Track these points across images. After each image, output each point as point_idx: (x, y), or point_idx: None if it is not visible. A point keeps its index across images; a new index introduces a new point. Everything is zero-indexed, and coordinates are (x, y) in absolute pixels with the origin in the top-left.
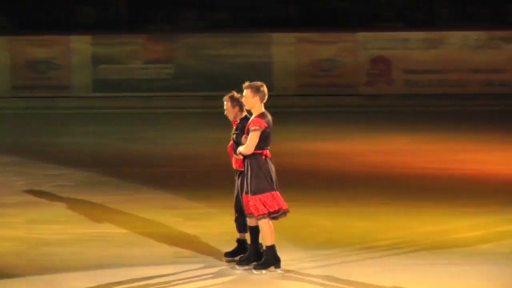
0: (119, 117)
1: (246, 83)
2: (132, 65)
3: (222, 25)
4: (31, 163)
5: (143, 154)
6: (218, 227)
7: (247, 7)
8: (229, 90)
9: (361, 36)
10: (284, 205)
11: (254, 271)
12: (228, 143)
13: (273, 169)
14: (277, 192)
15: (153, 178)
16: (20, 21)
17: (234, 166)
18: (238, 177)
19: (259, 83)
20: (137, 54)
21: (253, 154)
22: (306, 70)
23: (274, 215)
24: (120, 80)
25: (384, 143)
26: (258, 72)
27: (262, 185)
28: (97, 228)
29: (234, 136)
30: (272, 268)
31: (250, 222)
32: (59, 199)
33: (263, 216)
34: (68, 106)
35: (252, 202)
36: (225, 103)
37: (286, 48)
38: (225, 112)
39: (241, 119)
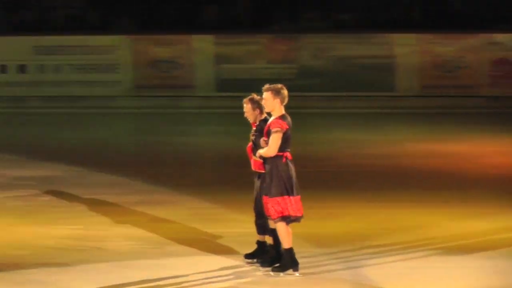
0: (242, 116)
1: (266, 86)
2: (255, 65)
3: (344, 25)
4: (152, 162)
5: None
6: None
7: (369, 8)
8: (351, 90)
9: (484, 37)
10: (300, 211)
11: (272, 274)
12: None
13: (294, 171)
14: (296, 197)
15: None
16: (142, 20)
17: (253, 168)
18: (258, 179)
19: (279, 85)
20: (260, 53)
21: (273, 156)
22: (428, 71)
23: (288, 219)
24: (243, 79)
25: (505, 144)
26: (381, 73)
27: (280, 188)
28: (218, 228)
29: (253, 137)
30: (290, 271)
31: (271, 224)
32: (182, 198)
33: (279, 219)
34: (191, 106)
35: (271, 204)
36: (244, 105)
37: (409, 49)
38: (245, 115)
39: (260, 121)
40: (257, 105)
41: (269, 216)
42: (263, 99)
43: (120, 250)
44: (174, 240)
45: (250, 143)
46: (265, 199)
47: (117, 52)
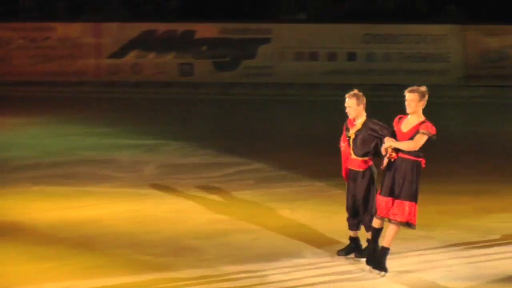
0: None
1: (411, 88)
2: None
3: None
4: (479, 152)
5: None
6: None
7: None
8: None
9: None
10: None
11: (381, 274)
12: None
13: None
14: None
15: None
16: (472, 10)
17: (349, 166)
18: (354, 179)
19: (423, 88)
20: None
21: (415, 160)
22: None
23: (412, 226)
24: None
25: None
26: None
27: (417, 193)
28: None
29: (354, 136)
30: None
31: (376, 223)
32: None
33: (409, 223)
34: None
35: (408, 207)
36: (348, 100)
37: None
38: (348, 110)
39: (365, 122)
40: (361, 100)
41: (409, 221)
42: (408, 100)
43: (446, 238)
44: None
45: (346, 143)
46: (401, 202)
47: (447, 42)
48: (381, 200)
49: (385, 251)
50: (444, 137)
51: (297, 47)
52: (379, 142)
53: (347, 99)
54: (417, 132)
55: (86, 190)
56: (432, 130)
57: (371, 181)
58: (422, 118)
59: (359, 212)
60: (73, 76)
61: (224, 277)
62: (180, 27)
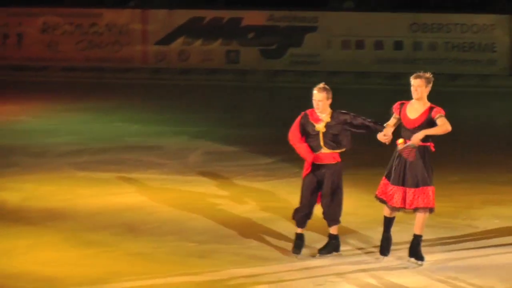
0: None
1: (417, 74)
2: None
3: None
4: None
5: None
6: None
7: None
8: None
9: None
10: None
11: (418, 263)
12: None
13: None
14: None
15: None
16: None
17: (317, 161)
18: (321, 173)
19: (428, 74)
20: None
21: (427, 144)
22: None
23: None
24: None
25: None
26: None
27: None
28: None
29: (325, 130)
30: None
31: (387, 213)
32: None
33: (431, 208)
34: None
35: (431, 192)
36: (317, 93)
37: None
38: (317, 103)
39: (334, 114)
40: (330, 94)
41: (428, 206)
42: (416, 86)
43: (489, 227)
44: None
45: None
46: (423, 189)
47: (494, 32)
48: (393, 190)
49: (419, 239)
50: (489, 127)
51: (343, 35)
52: (350, 134)
53: (316, 93)
54: (428, 118)
55: (131, 176)
56: (443, 112)
57: (341, 174)
58: (428, 103)
59: (313, 208)
60: (119, 63)
61: (266, 265)
62: (227, 14)
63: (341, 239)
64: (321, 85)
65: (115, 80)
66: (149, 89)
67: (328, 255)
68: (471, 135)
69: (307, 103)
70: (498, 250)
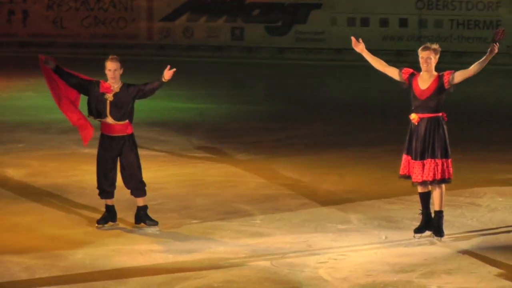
0: None
1: (426, 45)
2: None
3: None
4: None
5: None
6: None
7: None
8: None
9: None
10: None
11: (442, 239)
12: None
13: None
14: None
15: None
16: None
17: (108, 132)
18: (118, 146)
19: (436, 45)
20: None
21: (438, 114)
22: None
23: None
24: None
25: None
26: None
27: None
28: None
29: (113, 99)
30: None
31: (420, 189)
32: None
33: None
34: None
35: (450, 163)
36: (110, 63)
37: None
38: (113, 73)
39: (124, 86)
40: (121, 65)
41: (447, 177)
42: (425, 58)
43: (493, 206)
44: None
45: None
46: (443, 161)
47: (499, 9)
48: (416, 166)
49: (441, 215)
50: (495, 105)
51: (348, 12)
52: (133, 104)
53: (110, 63)
54: (439, 84)
55: None
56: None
57: (137, 146)
58: (436, 73)
59: (115, 179)
60: (124, 39)
61: (269, 242)
62: None
63: (345, 215)
64: (114, 56)
65: (119, 56)
66: (154, 65)
67: (145, 226)
68: (475, 112)
69: (313, 80)
70: (502, 229)
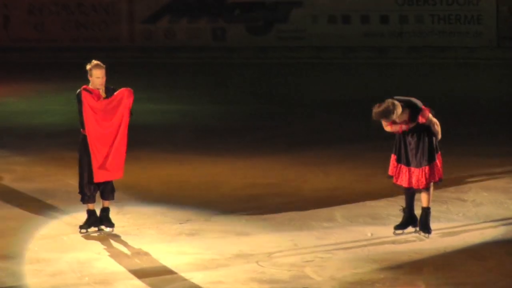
0: None
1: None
2: None
3: None
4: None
5: None
6: None
7: None
8: None
9: None
10: None
11: (429, 236)
12: None
13: None
14: None
15: None
16: None
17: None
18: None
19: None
20: None
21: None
22: None
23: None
24: None
25: None
26: None
27: (435, 147)
28: None
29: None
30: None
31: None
32: None
33: (440, 179)
34: None
35: (440, 163)
36: (98, 71)
37: None
38: (100, 80)
39: (109, 89)
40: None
41: (437, 180)
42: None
43: (478, 200)
44: None
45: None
46: (428, 167)
47: (480, 3)
48: (399, 168)
49: (428, 211)
50: (477, 99)
51: (329, 10)
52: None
53: (99, 71)
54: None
55: None
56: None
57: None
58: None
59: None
60: (106, 42)
61: (255, 242)
62: None
63: (330, 213)
64: (97, 62)
65: (102, 59)
66: (136, 67)
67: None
68: (458, 107)
69: (295, 78)
70: (488, 224)
